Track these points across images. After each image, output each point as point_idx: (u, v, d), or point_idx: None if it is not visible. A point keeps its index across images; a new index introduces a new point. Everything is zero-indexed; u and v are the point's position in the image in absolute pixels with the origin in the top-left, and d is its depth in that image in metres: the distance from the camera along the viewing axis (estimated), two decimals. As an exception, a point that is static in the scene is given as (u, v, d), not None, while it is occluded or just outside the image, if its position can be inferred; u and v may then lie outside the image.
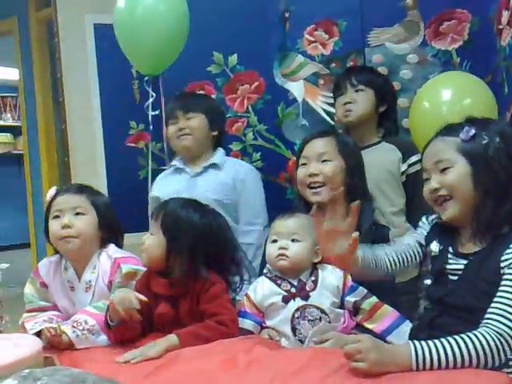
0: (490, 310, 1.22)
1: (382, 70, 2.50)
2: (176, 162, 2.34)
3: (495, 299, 1.23)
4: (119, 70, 3.04)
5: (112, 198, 2.90)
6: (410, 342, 1.22)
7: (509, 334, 1.18)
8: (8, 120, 7.16)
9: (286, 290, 1.54)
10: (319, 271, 1.57)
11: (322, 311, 1.50)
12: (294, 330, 1.50)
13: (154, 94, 2.53)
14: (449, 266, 1.37)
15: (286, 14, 2.69)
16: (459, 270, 1.34)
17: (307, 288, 1.53)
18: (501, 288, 1.23)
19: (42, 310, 1.77)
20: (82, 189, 1.80)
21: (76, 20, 3.17)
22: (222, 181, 2.22)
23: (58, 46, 3.25)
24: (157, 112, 2.50)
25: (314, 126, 2.60)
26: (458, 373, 1.16)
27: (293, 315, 1.50)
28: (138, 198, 2.59)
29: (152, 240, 1.60)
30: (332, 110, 2.50)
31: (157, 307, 1.59)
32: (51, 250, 1.87)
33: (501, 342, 1.18)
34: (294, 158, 2.59)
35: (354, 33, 2.58)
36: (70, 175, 3.17)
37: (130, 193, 2.79)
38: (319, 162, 1.79)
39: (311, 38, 2.65)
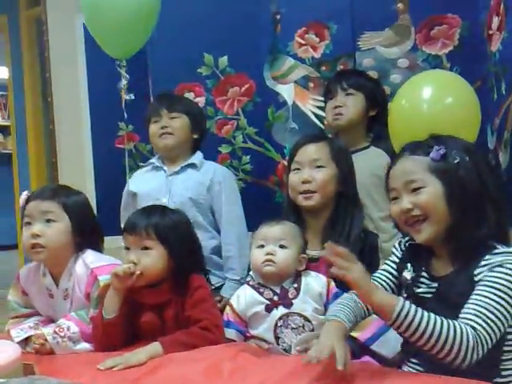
0: (465, 310, 1.20)
1: (373, 74, 2.49)
2: (154, 160, 2.32)
3: (470, 301, 1.21)
4: (108, 69, 3.01)
5: (100, 199, 2.93)
6: (400, 297, 1.22)
7: (484, 336, 1.16)
8: (-3, 119, 7.12)
9: (268, 299, 1.52)
10: (302, 278, 1.56)
11: (305, 319, 1.49)
12: (277, 338, 1.49)
13: (128, 77, 2.48)
14: (421, 290, 1.34)
15: (277, 17, 2.68)
16: (432, 292, 1.32)
17: (290, 295, 1.52)
18: (475, 292, 1.22)
19: (27, 316, 1.74)
20: (55, 192, 1.70)
21: (65, 19, 3.14)
22: (198, 180, 2.21)
23: (46, 44, 3.22)
24: (132, 97, 2.45)
25: (303, 129, 2.59)
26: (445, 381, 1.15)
27: (276, 324, 1.49)
28: (126, 199, 2.56)
29: (151, 256, 1.55)
30: (322, 113, 2.49)
31: (141, 316, 1.57)
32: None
33: (476, 341, 1.15)
34: (284, 162, 2.60)
35: (344, 36, 2.57)
36: (57, 176, 3.14)
37: (118, 194, 2.75)
38: (312, 168, 1.78)
39: (302, 41, 2.64)
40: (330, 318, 1.33)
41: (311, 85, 2.63)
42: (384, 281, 1.42)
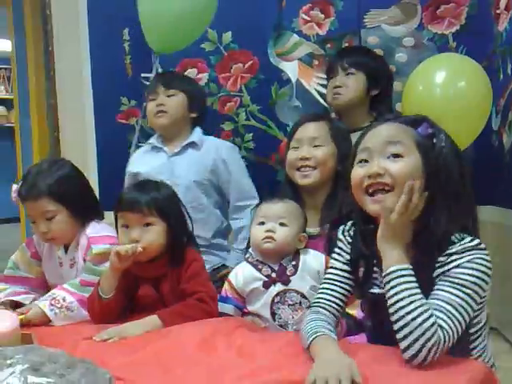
0: (432, 306, 1.14)
1: (378, 52, 2.47)
2: (153, 141, 2.30)
3: (436, 296, 1.15)
4: (112, 44, 2.99)
5: (102, 174, 2.93)
6: (405, 264, 1.15)
7: (449, 336, 1.11)
8: (1, 92, 7.07)
9: (266, 275, 1.53)
10: (301, 256, 1.56)
11: (302, 295, 1.50)
12: (273, 314, 1.50)
13: (161, 70, 2.49)
14: (374, 291, 1.28)
15: (283, -8, 2.65)
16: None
17: (288, 273, 1.52)
18: (441, 287, 1.16)
19: (17, 281, 1.77)
20: (48, 189, 1.68)
21: (69, -9, 3.11)
22: (201, 161, 2.19)
23: (49, 17, 3.19)
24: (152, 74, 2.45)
25: (307, 107, 2.58)
26: (436, 362, 1.15)
27: (272, 300, 1.50)
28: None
29: (152, 232, 1.55)
30: (325, 91, 2.47)
31: (138, 290, 1.59)
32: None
33: (439, 341, 1.10)
34: (286, 140, 2.59)
35: (350, 13, 2.55)
36: (60, 151, 3.14)
37: (120, 169, 2.75)
38: (311, 146, 1.79)
39: (307, 18, 2.61)
40: (316, 335, 1.19)
41: (315, 62, 2.61)
42: (339, 286, 1.32)
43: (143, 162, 2.28)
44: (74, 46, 3.07)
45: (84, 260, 1.69)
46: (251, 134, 2.66)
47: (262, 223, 1.57)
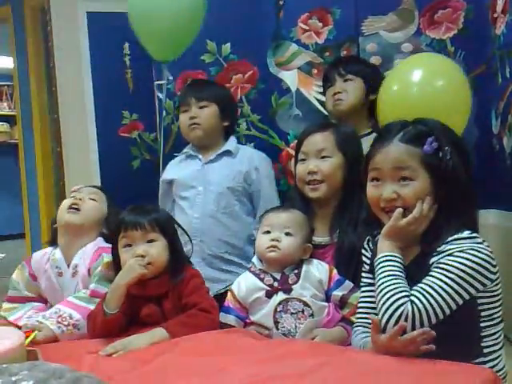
0: (413, 288, 1.23)
1: (376, 59, 2.48)
2: (188, 149, 2.31)
3: (422, 281, 1.24)
4: (112, 58, 3.02)
5: (105, 187, 2.94)
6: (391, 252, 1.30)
7: (419, 310, 1.19)
8: (4, 109, 7.09)
9: (268, 285, 1.54)
10: (304, 265, 1.57)
11: (305, 304, 1.50)
12: (276, 323, 1.50)
13: (171, 78, 2.50)
14: None
15: (281, 2, 2.66)
16: None
17: (290, 281, 1.53)
18: (429, 273, 1.24)
19: (24, 300, 1.78)
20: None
21: (69, 8, 3.13)
22: (236, 168, 2.21)
23: (50, 34, 3.22)
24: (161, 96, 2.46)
25: (307, 116, 2.59)
26: (443, 366, 1.15)
27: (275, 309, 1.50)
28: (130, 188, 2.58)
29: (157, 247, 1.59)
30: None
31: (142, 309, 1.60)
32: (45, 240, 1.89)
33: (408, 314, 1.19)
34: (287, 149, 2.60)
35: (348, 21, 2.55)
36: (63, 166, 3.15)
37: (122, 183, 2.77)
38: (318, 159, 1.78)
39: (305, 27, 2.62)
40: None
41: (315, 71, 2.61)
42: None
43: (178, 170, 2.29)
44: (75, 61, 3.10)
45: (89, 270, 1.70)
46: (252, 144, 2.66)
47: (268, 232, 1.58)
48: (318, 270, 1.56)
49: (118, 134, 2.99)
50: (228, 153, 2.24)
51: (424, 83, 2.01)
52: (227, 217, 2.14)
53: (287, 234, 1.57)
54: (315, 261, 1.59)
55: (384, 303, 1.22)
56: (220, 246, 2.15)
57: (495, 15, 2.23)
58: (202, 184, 2.18)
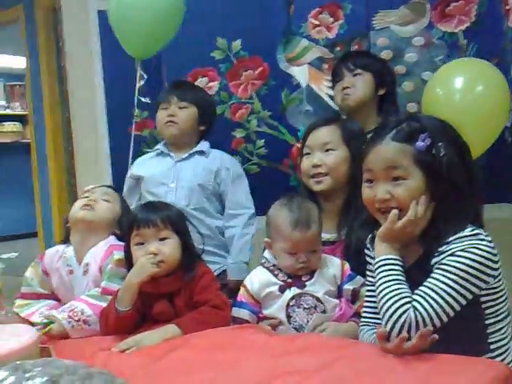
0: (415, 291, 1.20)
1: (387, 53, 2.46)
2: (160, 147, 2.32)
3: (423, 284, 1.20)
4: (123, 57, 3.01)
5: (117, 186, 2.94)
6: (389, 255, 1.26)
7: (423, 317, 1.16)
8: (17, 109, 7.15)
9: (282, 280, 1.53)
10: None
11: (318, 300, 1.49)
12: (288, 317, 1.49)
13: (146, 76, 2.49)
14: None
15: (291, -2, 2.65)
16: None
17: (303, 278, 1.52)
18: (431, 275, 1.21)
19: (38, 296, 1.79)
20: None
21: (80, 7, 3.14)
22: (206, 166, 2.21)
23: (61, 33, 3.23)
24: (148, 100, 2.46)
25: (318, 111, 2.58)
26: (456, 361, 1.14)
27: (288, 303, 1.49)
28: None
29: (169, 245, 1.59)
30: (336, 95, 2.47)
31: (153, 307, 1.60)
32: (58, 239, 1.89)
33: (411, 321, 1.16)
34: (298, 145, 2.59)
35: (359, 15, 2.54)
36: (74, 164, 3.17)
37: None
38: (323, 152, 1.77)
39: (316, 22, 2.61)
40: None
41: (325, 66, 2.60)
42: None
43: (148, 166, 2.30)
44: (86, 60, 3.11)
45: (100, 268, 1.70)
46: (263, 140, 2.66)
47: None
48: (332, 265, 1.55)
49: (129, 132, 2.99)
50: (200, 153, 2.24)
51: (465, 89, 2.02)
52: (199, 212, 2.15)
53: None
54: (328, 256, 1.58)
55: (386, 311, 1.19)
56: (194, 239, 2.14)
57: (507, 7, 2.20)
58: (173, 181, 2.19)
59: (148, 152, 2.41)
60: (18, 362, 0.95)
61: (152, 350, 1.37)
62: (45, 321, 1.60)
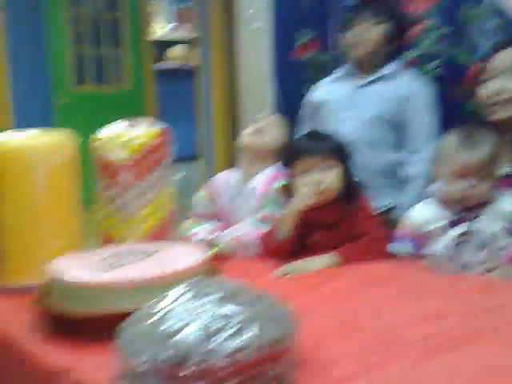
0: None
1: None
2: (343, 69, 2.21)
3: None
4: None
5: (280, 110, 2.92)
6: None
7: None
8: (184, 32, 7.34)
9: (451, 214, 1.44)
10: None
11: (489, 237, 1.39)
12: (455, 255, 1.42)
13: None
14: None
15: None
16: None
17: (474, 213, 1.42)
18: None
19: (207, 216, 1.87)
20: None
21: None
22: (387, 96, 2.07)
23: None
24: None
25: (503, 28, 2.29)
26: None
27: (455, 240, 1.41)
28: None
29: (334, 174, 1.59)
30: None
31: (312, 236, 1.61)
32: (222, 162, 1.96)
33: None
34: (477, 67, 2.33)
35: None
36: (237, 91, 3.19)
37: (296, 106, 2.73)
38: (506, 78, 1.61)
39: None
40: None
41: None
42: None
43: (328, 91, 2.21)
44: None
45: (263, 194, 1.75)
46: (437, 61, 2.44)
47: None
48: (508, 200, 1.44)
49: (293, 57, 2.92)
50: (384, 77, 2.10)
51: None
52: (372, 147, 2.05)
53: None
54: (503, 191, 1.46)
55: None
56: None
57: None
58: (351, 109, 2.09)
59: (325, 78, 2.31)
60: (195, 278, 0.98)
61: (310, 278, 1.41)
62: (210, 242, 1.68)
